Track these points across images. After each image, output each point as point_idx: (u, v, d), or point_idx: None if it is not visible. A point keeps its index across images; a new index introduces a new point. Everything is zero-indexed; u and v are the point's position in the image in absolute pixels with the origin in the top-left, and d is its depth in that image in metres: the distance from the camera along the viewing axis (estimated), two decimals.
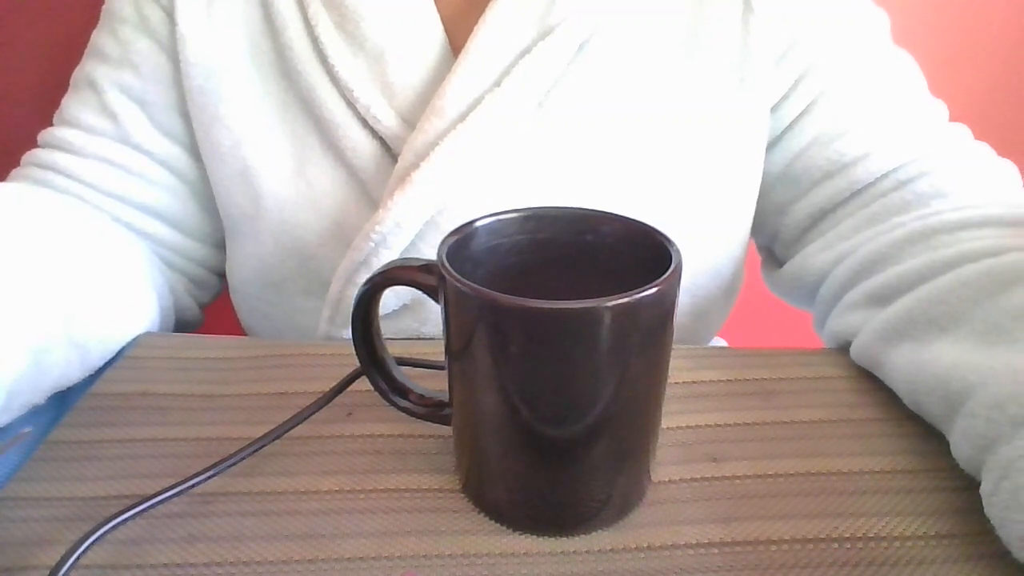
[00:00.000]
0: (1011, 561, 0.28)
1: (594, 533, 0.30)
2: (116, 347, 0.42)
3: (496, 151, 0.44)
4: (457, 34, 0.45)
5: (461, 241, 0.30)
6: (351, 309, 0.43)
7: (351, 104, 0.45)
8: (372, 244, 0.44)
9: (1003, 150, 0.49)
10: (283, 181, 0.47)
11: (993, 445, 0.29)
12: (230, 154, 0.48)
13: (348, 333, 0.46)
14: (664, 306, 0.27)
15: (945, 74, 0.50)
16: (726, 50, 0.46)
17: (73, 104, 0.51)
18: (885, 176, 0.47)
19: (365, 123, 0.45)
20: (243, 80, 0.47)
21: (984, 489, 0.29)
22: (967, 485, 0.32)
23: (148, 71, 0.49)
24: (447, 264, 0.28)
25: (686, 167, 0.46)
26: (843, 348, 0.43)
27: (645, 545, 0.29)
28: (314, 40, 0.45)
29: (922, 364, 0.35)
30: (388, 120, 0.45)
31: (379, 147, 0.45)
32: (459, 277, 0.27)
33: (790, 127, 0.49)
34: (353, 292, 0.45)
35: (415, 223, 0.43)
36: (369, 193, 0.46)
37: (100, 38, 0.51)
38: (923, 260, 0.39)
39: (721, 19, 0.46)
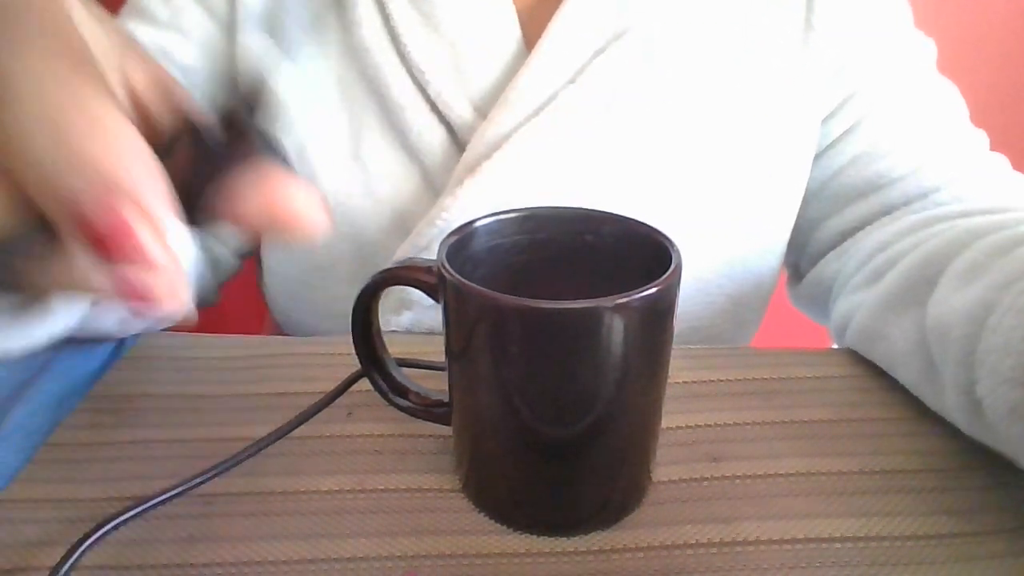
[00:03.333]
0: (1011, 562, 0.28)
1: (594, 533, 0.30)
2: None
3: (566, 147, 0.44)
4: (530, 29, 0.46)
5: (461, 241, 0.30)
6: (397, 294, 0.43)
7: (421, 88, 0.45)
8: (436, 231, 0.44)
9: (1003, 150, 0.49)
10: (338, 161, 0.47)
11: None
12: (285, 130, 0.48)
13: (396, 319, 0.46)
14: (664, 306, 0.27)
15: (945, 74, 0.50)
16: (786, 63, 0.47)
17: None
18: (917, 198, 0.48)
19: (433, 108, 0.45)
20: (304, 55, 0.47)
21: None
22: (967, 485, 0.32)
23: (196, 38, 0.48)
24: (447, 264, 0.28)
25: (742, 174, 0.47)
26: (848, 341, 0.43)
27: (645, 545, 0.29)
28: (386, 18, 0.45)
29: (936, 315, 0.35)
30: (461, 108, 0.45)
31: (446, 134, 0.45)
32: (459, 277, 0.27)
33: (833, 144, 0.50)
34: None
35: (481, 213, 0.44)
36: (431, 180, 0.46)
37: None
38: (919, 237, 0.40)
39: (782, 33, 0.47)
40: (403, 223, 0.46)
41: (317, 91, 0.47)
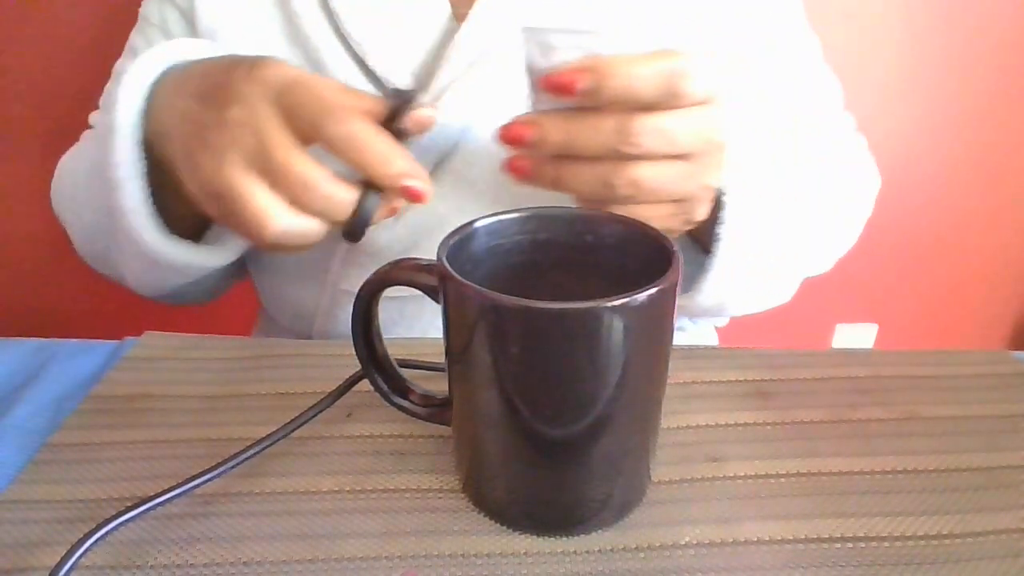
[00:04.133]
0: (1009, 563, 0.28)
1: (594, 533, 0.30)
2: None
3: (507, 93, 0.46)
4: (458, 10, 0.48)
5: (461, 241, 0.30)
6: (366, 248, 0.45)
7: (361, 63, 0.47)
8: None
9: (1003, 149, 0.49)
10: None
11: None
12: None
13: (363, 270, 0.48)
14: (664, 306, 0.27)
15: (945, 73, 0.50)
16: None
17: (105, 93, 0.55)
18: None
19: (373, 79, 0.48)
20: (255, 49, 0.50)
21: None
22: (964, 486, 0.32)
23: None
24: (447, 264, 0.28)
25: None
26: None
27: (645, 545, 0.29)
28: (324, 3, 0.48)
29: None
30: (402, 76, 0.47)
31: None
32: (460, 277, 0.27)
33: None
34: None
35: (431, 159, 0.47)
36: None
37: (133, 37, 0.56)
38: None
39: None
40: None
41: None
